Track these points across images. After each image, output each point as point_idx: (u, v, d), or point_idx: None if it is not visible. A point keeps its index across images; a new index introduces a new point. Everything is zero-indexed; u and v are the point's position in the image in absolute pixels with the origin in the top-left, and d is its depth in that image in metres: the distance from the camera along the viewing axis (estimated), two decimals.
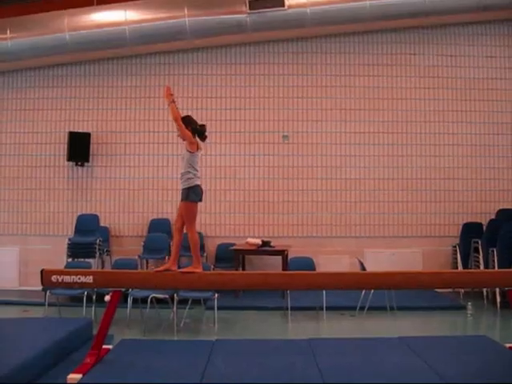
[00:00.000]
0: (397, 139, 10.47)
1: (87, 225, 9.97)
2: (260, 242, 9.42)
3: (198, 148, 5.51)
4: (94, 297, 7.72)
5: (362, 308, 8.14)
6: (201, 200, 5.52)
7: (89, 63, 10.47)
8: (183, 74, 10.43)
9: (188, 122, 5.50)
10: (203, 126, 5.68)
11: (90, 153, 10.29)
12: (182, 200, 5.50)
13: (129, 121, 10.47)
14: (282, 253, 9.29)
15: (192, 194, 5.42)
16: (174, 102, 5.45)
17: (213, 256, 10.05)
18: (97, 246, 9.54)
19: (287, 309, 8.08)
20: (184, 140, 5.51)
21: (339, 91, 10.48)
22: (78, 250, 9.56)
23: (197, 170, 5.50)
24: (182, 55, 10.47)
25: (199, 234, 9.92)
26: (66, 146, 10.18)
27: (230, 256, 9.37)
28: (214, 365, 5.51)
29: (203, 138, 5.64)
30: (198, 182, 5.50)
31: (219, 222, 10.27)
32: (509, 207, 10.23)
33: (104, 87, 10.51)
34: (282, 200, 10.39)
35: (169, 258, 9.03)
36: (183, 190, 5.46)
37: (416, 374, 5.19)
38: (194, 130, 5.52)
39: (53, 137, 10.44)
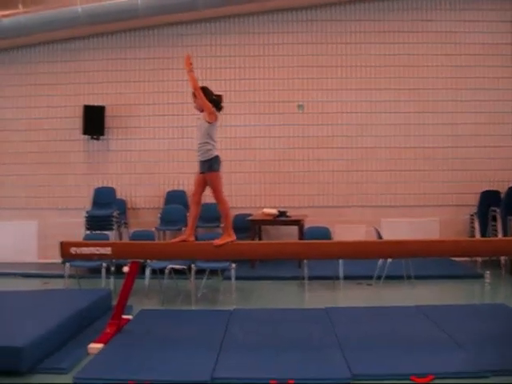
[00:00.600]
0: (414, 107, 10.33)
1: (104, 198, 10.02)
2: (276, 213, 9.42)
3: (216, 118, 5.47)
4: (113, 268, 7.81)
5: (378, 277, 8.13)
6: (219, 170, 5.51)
7: (101, 36, 10.39)
8: (196, 44, 10.32)
9: (205, 92, 5.46)
10: (220, 96, 5.66)
11: (105, 126, 10.29)
12: (202, 172, 5.48)
13: (143, 93, 10.43)
14: (298, 223, 9.28)
15: (215, 165, 5.42)
16: (192, 71, 5.40)
17: None
18: (114, 219, 9.60)
19: (304, 278, 8.11)
20: (201, 111, 5.49)
21: (354, 59, 10.33)
22: (96, 222, 9.63)
23: (215, 141, 5.48)
24: (194, 26, 10.35)
25: (215, 205, 9.97)
26: (81, 120, 10.19)
27: (246, 226, 9.39)
28: (232, 334, 5.58)
29: (219, 108, 5.60)
30: (217, 153, 5.49)
31: (235, 193, 10.26)
32: None
33: (117, 60, 10.45)
34: (297, 170, 10.35)
35: (185, 229, 9.10)
36: (204, 161, 5.43)
37: (433, 342, 5.22)
38: (211, 100, 5.49)
39: (67, 111, 10.44)
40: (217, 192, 5.50)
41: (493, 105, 10.32)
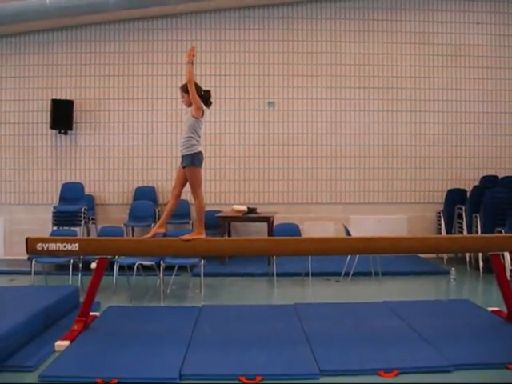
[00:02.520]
0: (384, 106, 10.45)
1: (72, 193, 9.89)
2: (246, 209, 9.44)
3: (202, 114, 5.44)
4: (80, 265, 7.72)
5: (347, 273, 8.22)
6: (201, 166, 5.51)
7: (71, 29, 10.26)
8: (167, 39, 10.27)
9: (195, 87, 5.40)
10: (208, 91, 5.60)
11: (74, 120, 10.16)
12: (184, 166, 5.44)
13: (112, 88, 10.32)
14: (267, 219, 9.31)
15: (196, 160, 5.40)
16: (192, 63, 5.36)
17: None
18: (82, 215, 9.49)
19: (273, 275, 8.15)
20: (189, 106, 5.43)
21: (325, 57, 10.39)
22: (63, 218, 9.51)
23: (199, 137, 5.45)
24: (166, 20, 10.29)
25: (185, 201, 9.94)
26: (48, 114, 10.04)
27: (215, 223, 9.38)
28: (200, 330, 5.58)
29: (209, 104, 5.57)
30: (201, 149, 5.48)
31: (204, 190, 10.19)
32: (492, 174, 10.32)
33: (87, 53, 10.32)
34: (267, 167, 10.38)
35: (154, 225, 9.05)
36: (186, 155, 5.40)
37: (400, 338, 5.30)
38: (200, 96, 5.44)
39: (35, 104, 10.28)
40: (195, 187, 5.48)
41: (461, 105, 10.52)
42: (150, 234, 5.64)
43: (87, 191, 10.15)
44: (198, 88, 5.45)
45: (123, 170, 10.34)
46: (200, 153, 5.44)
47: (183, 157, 5.45)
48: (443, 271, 8.76)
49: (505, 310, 5.86)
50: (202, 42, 10.30)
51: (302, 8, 10.37)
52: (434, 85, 10.47)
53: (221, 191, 10.35)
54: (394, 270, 8.60)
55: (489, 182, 9.97)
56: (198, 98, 5.36)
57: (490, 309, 6.28)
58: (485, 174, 10.32)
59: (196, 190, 5.50)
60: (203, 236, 5.51)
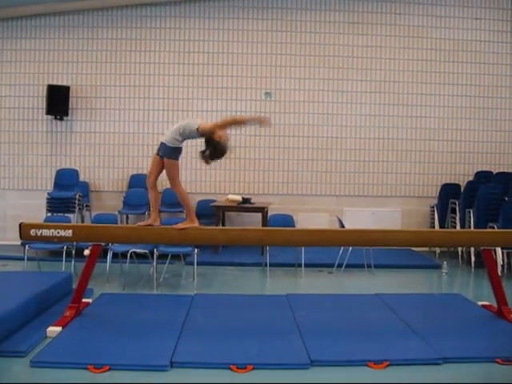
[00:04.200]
0: (381, 99, 10.45)
1: (66, 179, 9.88)
2: (240, 199, 9.45)
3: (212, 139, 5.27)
4: (74, 251, 7.70)
5: (339, 265, 8.26)
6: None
7: (68, 14, 10.17)
8: (165, 27, 10.22)
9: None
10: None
11: (70, 106, 10.11)
12: (161, 156, 5.39)
13: (109, 74, 10.27)
14: (262, 210, 9.32)
15: (174, 153, 5.34)
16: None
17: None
18: (76, 201, 9.48)
19: (266, 265, 8.17)
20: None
21: (324, 49, 10.36)
22: (57, 204, 9.50)
23: (183, 141, 5.36)
24: (164, 8, 10.22)
25: None
26: (44, 100, 9.98)
27: (210, 213, 9.39)
28: (192, 319, 5.60)
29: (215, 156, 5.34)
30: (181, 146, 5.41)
31: (200, 179, 10.27)
32: (486, 169, 10.36)
33: (84, 39, 10.24)
34: (263, 157, 10.38)
35: (149, 214, 9.06)
36: (166, 146, 5.31)
37: (391, 330, 5.33)
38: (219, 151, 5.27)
39: (31, 90, 10.21)
40: (173, 179, 5.43)
41: (457, 100, 10.53)
42: (143, 223, 5.64)
43: (82, 178, 10.14)
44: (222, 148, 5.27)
45: (118, 157, 10.32)
46: (180, 149, 5.37)
47: (162, 145, 5.35)
48: (435, 265, 8.82)
49: (495, 304, 5.90)
50: (200, 30, 10.26)
51: None
52: (431, 79, 10.47)
53: (216, 180, 10.35)
54: (387, 263, 8.65)
55: (483, 177, 10.00)
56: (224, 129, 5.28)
57: (481, 303, 6.32)
58: (479, 170, 10.35)
59: (174, 181, 5.44)
60: (196, 224, 5.51)
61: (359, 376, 4.31)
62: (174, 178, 5.43)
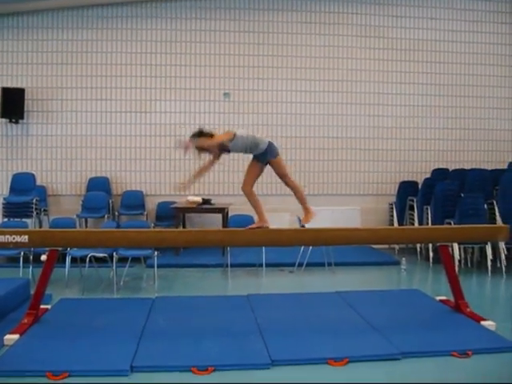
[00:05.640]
0: (339, 98, 10.56)
1: (23, 184, 9.66)
2: (200, 200, 9.42)
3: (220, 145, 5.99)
4: (31, 257, 7.55)
5: (300, 264, 8.31)
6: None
7: (22, 15, 9.97)
8: (122, 28, 10.11)
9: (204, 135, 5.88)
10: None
11: (25, 109, 9.91)
12: (261, 161, 6.06)
13: (65, 76, 10.11)
14: (222, 211, 9.32)
15: (274, 150, 5.99)
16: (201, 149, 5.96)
17: (153, 214, 9.96)
18: (33, 206, 9.29)
19: (227, 266, 8.17)
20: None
21: (281, 49, 10.42)
22: (14, 209, 9.30)
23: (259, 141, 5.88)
24: (122, 8, 10.11)
25: (140, 192, 9.86)
26: None
27: (170, 214, 9.35)
28: (153, 322, 5.56)
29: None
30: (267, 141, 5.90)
31: (159, 181, 10.19)
32: (443, 167, 10.57)
33: (39, 41, 10.06)
34: (222, 158, 10.33)
35: (109, 217, 9.00)
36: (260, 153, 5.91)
37: (351, 327, 5.40)
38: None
39: None
40: (288, 174, 6.24)
41: (414, 98, 10.73)
42: (254, 226, 5.89)
43: (39, 182, 9.94)
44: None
45: (76, 161, 10.16)
46: (271, 143, 6.09)
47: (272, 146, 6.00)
48: (394, 261, 8.95)
49: (452, 299, 6.02)
50: (159, 31, 10.20)
51: None
52: (388, 78, 10.64)
53: (176, 182, 10.28)
54: (347, 261, 8.72)
55: (440, 174, 10.21)
56: (212, 143, 5.93)
57: (439, 298, 6.46)
58: (436, 167, 10.56)
59: (290, 176, 6.30)
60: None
61: (320, 374, 4.35)
62: (288, 172, 6.07)
